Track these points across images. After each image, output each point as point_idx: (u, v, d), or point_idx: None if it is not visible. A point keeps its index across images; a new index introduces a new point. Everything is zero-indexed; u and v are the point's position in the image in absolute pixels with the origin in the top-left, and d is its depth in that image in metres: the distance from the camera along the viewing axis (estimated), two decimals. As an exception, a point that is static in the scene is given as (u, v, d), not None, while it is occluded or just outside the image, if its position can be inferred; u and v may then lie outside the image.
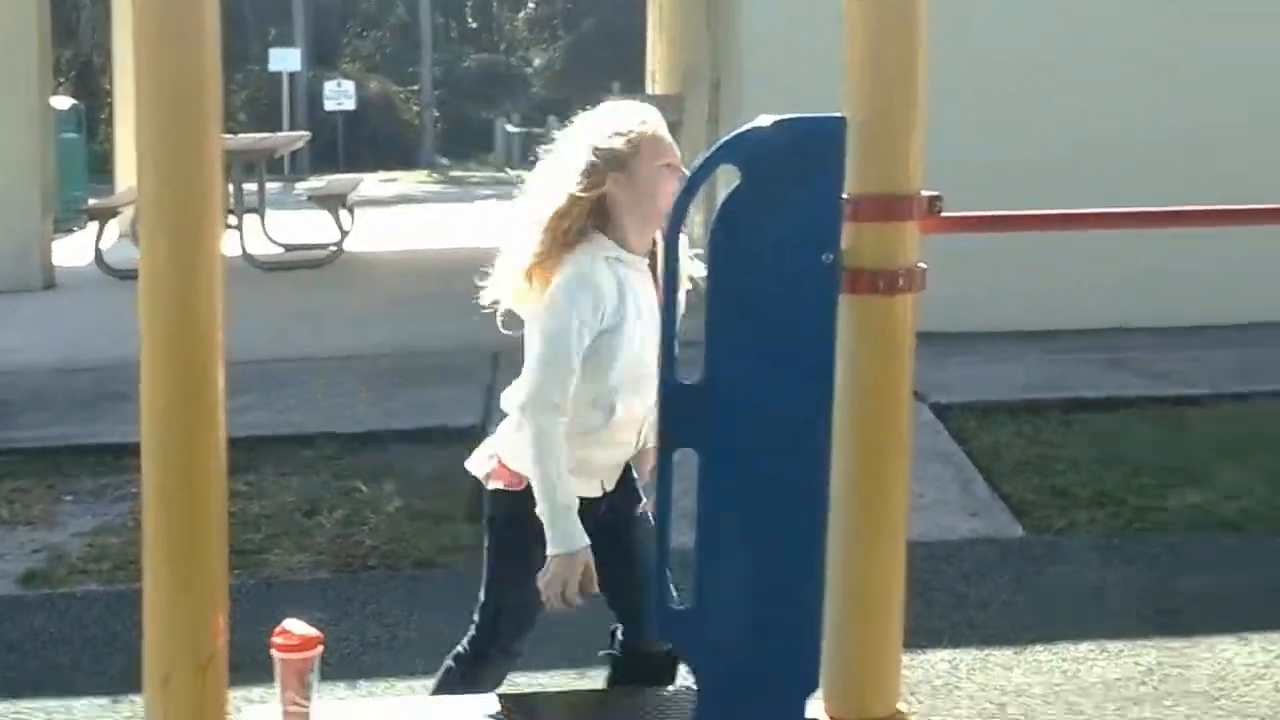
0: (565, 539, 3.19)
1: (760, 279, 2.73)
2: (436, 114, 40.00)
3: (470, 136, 39.41)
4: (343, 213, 14.11)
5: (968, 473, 6.69)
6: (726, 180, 2.73)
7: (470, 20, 45.52)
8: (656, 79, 19.15)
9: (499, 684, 3.54)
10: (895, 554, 2.85)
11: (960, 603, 5.16)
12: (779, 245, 2.73)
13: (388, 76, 40.20)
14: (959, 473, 6.70)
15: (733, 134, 2.76)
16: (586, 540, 3.22)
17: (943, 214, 2.82)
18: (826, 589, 2.80)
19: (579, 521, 3.21)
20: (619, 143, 3.24)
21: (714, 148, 2.77)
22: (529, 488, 3.26)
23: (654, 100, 15.97)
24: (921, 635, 4.74)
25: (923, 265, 2.80)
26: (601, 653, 3.59)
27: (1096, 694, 4.29)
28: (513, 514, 3.34)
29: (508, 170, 34.14)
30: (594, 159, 3.24)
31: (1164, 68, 9.36)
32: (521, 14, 44.45)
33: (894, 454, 2.82)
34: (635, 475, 3.52)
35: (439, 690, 3.53)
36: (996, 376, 8.19)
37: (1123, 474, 6.49)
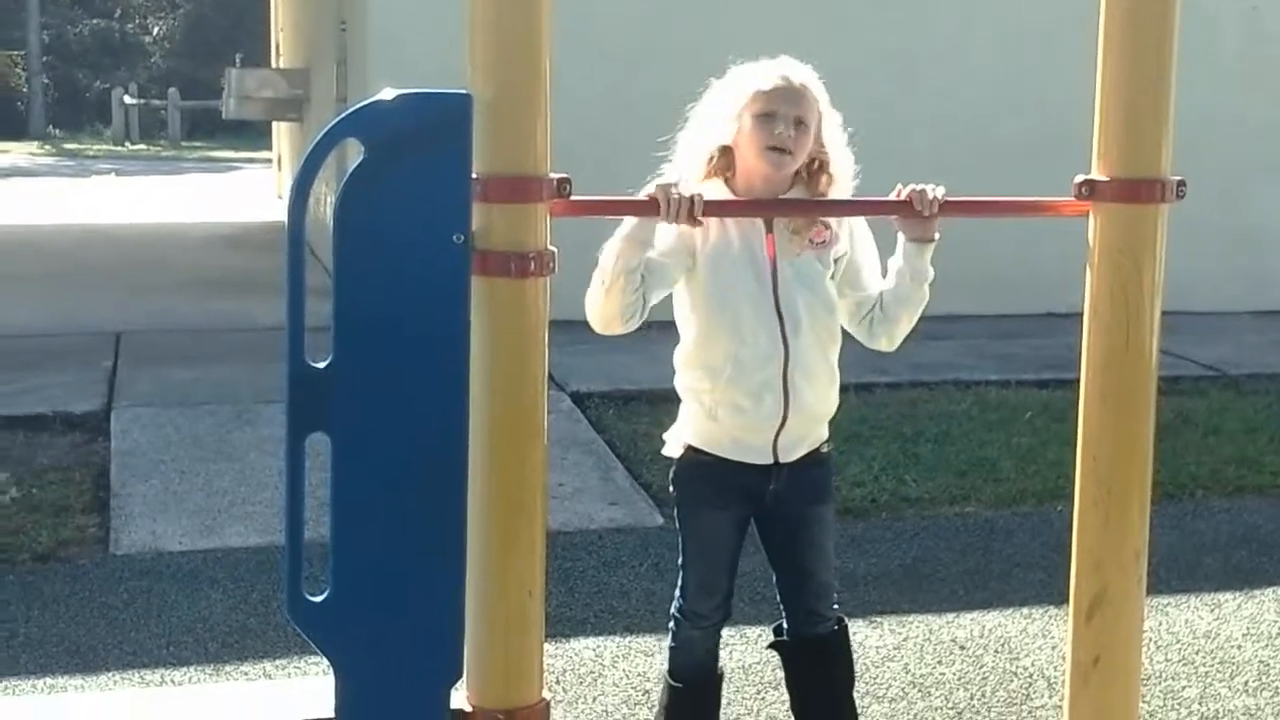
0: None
1: (387, 259, 2.69)
2: (47, 81, 38.22)
3: (86, 107, 37.85)
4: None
5: (608, 461, 6.75)
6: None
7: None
8: (281, 52, 18.76)
9: (709, 651, 3.55)
10: (535, 542, 2.85)
11: (602, 591, 5.22)
12: (406, 224, 2.69)
13: (-11, 39, 38.21)
14: (599, 461, 6.75)
15: (355, 107, 2.71)
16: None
17: (572, 197, 2.83)
18: (467, 578, 2.78)
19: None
20: (729, 98, 3.29)
21: (335, 121, 2.71)
22: (688, 452, 3.41)
23: (280, 74, 15.49)
24: (565, 624, 4.79)
25: (553, 249, 2.80)
26: (768, 644, 3.66)
27: (737, 679, 4.40)
28: (676, 474, 3.48)
29: (127, 144, 32.95)
30: (712, 115, 3.31)
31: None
32: (138, -22, 42.80)
33: (530, 440, 2.81)
34: (824, 474, 3.52)
35: (669, 654, 3.58)
36: (635, 365, 8.30)
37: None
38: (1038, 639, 4.84)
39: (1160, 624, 4.93)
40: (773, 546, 3.51)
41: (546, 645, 2.95)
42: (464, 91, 2.71)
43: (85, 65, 39.30)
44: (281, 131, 19.09)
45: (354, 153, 2.70)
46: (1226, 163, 10.30)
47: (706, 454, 3.40)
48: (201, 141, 33.82)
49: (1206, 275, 9.98)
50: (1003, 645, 4.79)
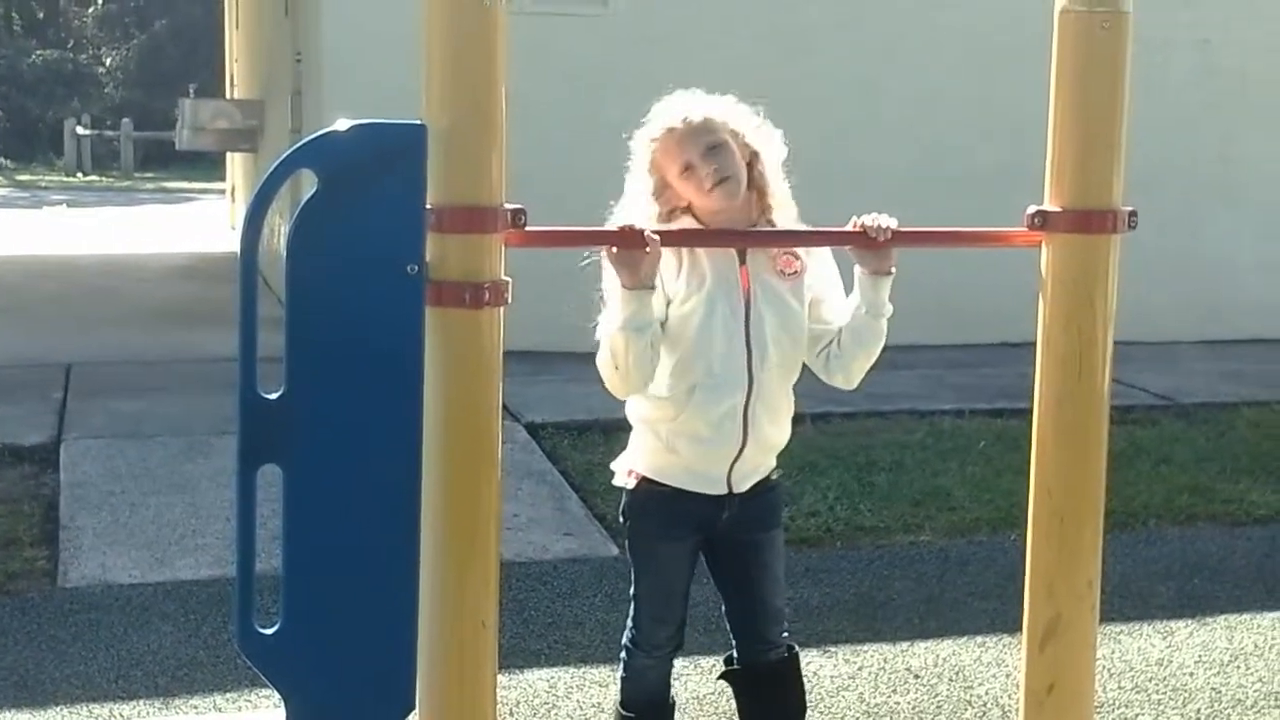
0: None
1: (341, 289, 2.68)
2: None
3: (38, 138, 37.62)
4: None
5: (562, 492, 6.74)
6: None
7: (38, 12, 43.28)
8: (236, 83, 18.71)
9: (661, 680, 3.55)
10: (488, 573, 2.84)
11: (556, 622, 5.20)
12: (360, 254, 2.68)
13: (-60, 70, 37.95)
14: (553, 492, 6.74)
15: (309, 138, 2.70)
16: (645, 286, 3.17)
17: (527, 228, 2.83)
18: (420, 609, 2.77)
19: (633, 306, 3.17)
20: (650, 154, 3.30)
21: (289, 151, 2.71)
22: (641, 483, 3.40)
23: (235, 105, 15.39)
24: (519, 655, 4.77)
25: (508, 279, 2.80)
26: (719, 675, 3.65)
27: (690, 709, 4.39)
28: (628, 506, 3.46)
29: (79, 175, 32.76)
30: (646, 166, 3.32)
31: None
32: (91, 10, 42.55)
33: (485, 471, 2.81)
34: (775, 501, 3.51)
35: (621, 685, 3.58)
36: (589, 396, 8.28)
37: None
38: (992, 667, 4.85)
39: (1113, 652, 4.94)
40: (724, 573, 3.51)
41: (500, 676, 2.94)
42: (418, 122, 2.71)
43: (38, 96, 39.03)
44: (236, 162, 19.03)
45: (308, 183, 2.69)
46: (1179, 193, 10.39)
47: (661, 485, 3.39)
48: (155, 172, 33.63)
49: (1159, 305, 10.05)
50: (957, 674, 4.80)
